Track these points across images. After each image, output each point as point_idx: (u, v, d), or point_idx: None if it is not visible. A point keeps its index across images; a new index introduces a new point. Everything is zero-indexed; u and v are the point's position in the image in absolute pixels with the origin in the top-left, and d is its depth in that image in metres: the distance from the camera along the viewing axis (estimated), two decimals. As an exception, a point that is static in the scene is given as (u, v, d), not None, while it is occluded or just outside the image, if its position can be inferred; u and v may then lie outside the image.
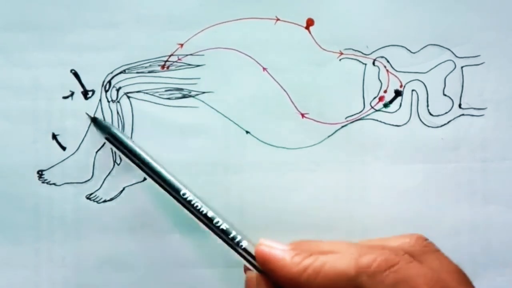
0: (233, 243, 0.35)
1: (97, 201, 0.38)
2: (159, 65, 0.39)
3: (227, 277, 0.38)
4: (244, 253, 0.34)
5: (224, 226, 0.35)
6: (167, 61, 0.39)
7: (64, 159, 0.38)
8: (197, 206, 0.35)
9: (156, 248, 0.38)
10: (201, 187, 0.38)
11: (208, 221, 0.35)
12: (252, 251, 0.34)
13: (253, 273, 0.34)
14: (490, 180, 0.39)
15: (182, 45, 0.39)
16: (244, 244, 0.35)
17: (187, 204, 0.35)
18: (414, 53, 0.39)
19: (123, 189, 0.38)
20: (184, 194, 0.36)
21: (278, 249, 0.33)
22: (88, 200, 0.38)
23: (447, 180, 0.39)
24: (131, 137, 0.38)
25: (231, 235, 0.35)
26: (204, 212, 0.35)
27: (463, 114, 0.39)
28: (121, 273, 0.38)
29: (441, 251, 0.32)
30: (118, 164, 0.39)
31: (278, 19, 0.39)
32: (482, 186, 0.39)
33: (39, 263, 0.38)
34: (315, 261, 0.32)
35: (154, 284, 0.38)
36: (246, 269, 0.35)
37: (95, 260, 0.38)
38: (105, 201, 0.38)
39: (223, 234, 0.35)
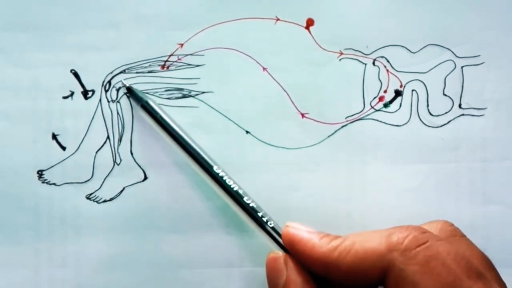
0: (261, 222, 0.35)
1: (97, 201, 0.38)
2: (159, 65, 0.39)
3: (227, 277, 0.38)
4: (272, 232, 0.35)
5: (253, 204, 0.36)
6: (167, 61, 0.39)
7: (64, 159, 0.38)
8: (229, 182, 0.36)
9: (156, 248, 0.38)
10: (201, 187, 0.38)
11: (238, 198, 0.36)
12: (280, 232, 0.35)
13: (278, 252, 0.34)
14: (490, 180, 0.39)
15: (182, 45, 0.39)
16: (273, 223, 0.35)
17: (219, 180, 0.36)
18: (414, 53, 0.39)
19: (123, 189, 0.38)
20: (216, 170, 0.36)
21: (305, 231, 0.33)
22: (88, 200, 0.38)
23: (447, 180, 0.39)
24: (131, 138, 0.38)
25: (260, 214, 0.35)
26: (235, 189, 0.36)
27: (463, 114, 0.39)
28: (121, 273, 0.38)
29: (467, 237, 0.32)
30: (118, 164, 0.38)
31: (278, 19, 0.39)
32: (482, 186, 0.39)
33: (39, 263, 0.38)
34: (345, 240, 0.32)
35: (154, 284, 0.38)
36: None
37: (95, 260, 0.38)
38: (105, 201, 0.38)
39: (253, 212, 0.35)
